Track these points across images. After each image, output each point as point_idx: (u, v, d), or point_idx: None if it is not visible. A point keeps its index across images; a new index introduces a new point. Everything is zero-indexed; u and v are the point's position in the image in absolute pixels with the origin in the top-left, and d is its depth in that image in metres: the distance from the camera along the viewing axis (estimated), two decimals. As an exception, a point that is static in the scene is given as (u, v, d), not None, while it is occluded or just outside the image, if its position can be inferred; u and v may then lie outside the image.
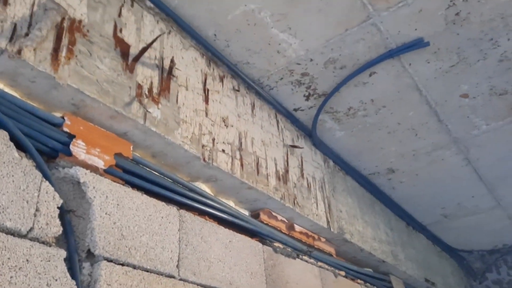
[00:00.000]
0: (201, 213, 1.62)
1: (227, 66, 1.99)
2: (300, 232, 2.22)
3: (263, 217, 1.99)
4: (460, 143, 2.77)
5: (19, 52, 1.07)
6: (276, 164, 2.10)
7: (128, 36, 1.49)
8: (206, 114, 1.76)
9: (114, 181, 1.28)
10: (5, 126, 1.03)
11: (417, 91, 2.29)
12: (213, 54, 1.92)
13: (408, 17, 1.86)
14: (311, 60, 2.05)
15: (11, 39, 1.07)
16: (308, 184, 2.32)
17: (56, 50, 1.18)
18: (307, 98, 2.29)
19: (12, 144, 1.03)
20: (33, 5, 1.17)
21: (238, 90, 2.04)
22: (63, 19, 1.24)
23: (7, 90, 1.15)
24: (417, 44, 1.96)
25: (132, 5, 1.57)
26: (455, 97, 2.36)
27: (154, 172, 1.50)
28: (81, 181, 1.18)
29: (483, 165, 3.02)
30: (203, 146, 1.65)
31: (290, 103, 2.32)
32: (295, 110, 2.37)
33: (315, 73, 2.13)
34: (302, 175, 2.31)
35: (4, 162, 0.99)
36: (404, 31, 1.92)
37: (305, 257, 2.17)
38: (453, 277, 4.29)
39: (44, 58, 1.14)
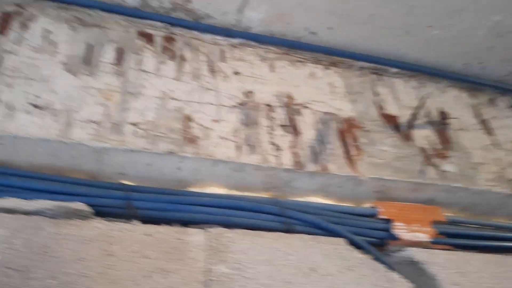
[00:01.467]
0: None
1: (490, 86, 1.82)
2: None
3: None
4: None
5: (324, 168, 1.24)
6: None
7: (390, 108, 1.55)
8: (496, 146, 1.61)
9: (444, 249, 1.27)
10: (341, 234, 1.18)
11: None
12: (471, 83, 1.80)
13: None
14: None
15: (315, 161, 1.25)
16: None
17: (347, 152, 1.32)
18: None
19: (352, 247, 1.16)
20: (315, 124, 1.36)
21: (516, 106, 1.82)
22: (339, 123, 1.39)
23: (323, 201, 1.33)
24: None
25: (380, 80, 1.65)
26: None
27: (472, 226, 1.43)
28: (416, 259, 1.21)
29: None
30: (510, 180, 1.50)
31: None
32: None
33: None
34: None
35: (353, 265, 1.12)
36: None
37: None
38: None
39: (342, 164, 1.29)
